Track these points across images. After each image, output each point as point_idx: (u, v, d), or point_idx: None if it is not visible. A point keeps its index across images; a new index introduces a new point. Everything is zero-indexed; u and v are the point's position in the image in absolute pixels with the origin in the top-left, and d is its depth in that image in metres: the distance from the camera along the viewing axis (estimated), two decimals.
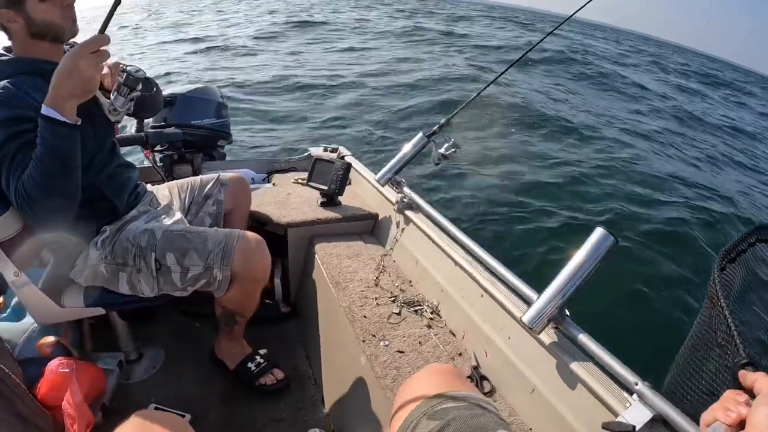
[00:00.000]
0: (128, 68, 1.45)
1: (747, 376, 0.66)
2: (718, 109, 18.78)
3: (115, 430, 0.84)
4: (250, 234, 1.76)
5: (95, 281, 1.72)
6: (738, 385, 0.68)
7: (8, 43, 1.55)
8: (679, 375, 1.02)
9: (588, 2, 1.87)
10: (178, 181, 2.16)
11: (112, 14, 1.26)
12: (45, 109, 1.28)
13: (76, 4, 1.51)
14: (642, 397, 1.04)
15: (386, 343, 1.63)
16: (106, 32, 1.29)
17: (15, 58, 1.52)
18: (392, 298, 1.88)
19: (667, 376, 1.08)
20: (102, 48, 1.29)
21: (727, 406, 0.63)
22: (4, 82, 1.41)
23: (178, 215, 1.95)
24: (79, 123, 1.34)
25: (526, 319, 1.29)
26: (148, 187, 2.03)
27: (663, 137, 11.58)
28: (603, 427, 1.04)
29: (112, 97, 1.50)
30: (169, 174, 2.87)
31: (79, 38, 1.52)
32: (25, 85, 1.43)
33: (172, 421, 0.90)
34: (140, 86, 1.49)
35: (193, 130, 2.90)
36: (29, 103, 1.40)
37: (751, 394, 0.64)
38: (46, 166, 1.30)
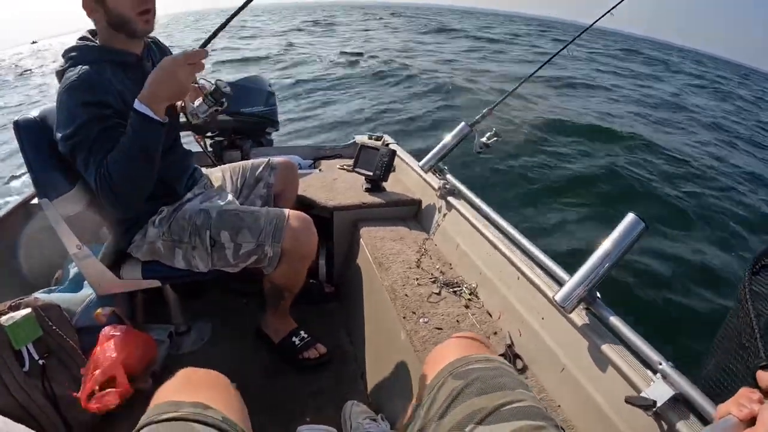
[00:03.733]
0: (218, 82, 1.54)
1: (764, 377, 0.71)
2: None
3: (166, 381, 0.89)
4: (300, 213, 1.83)
5: (152, 256, 1.83)
6: (757, 385, 0.72)
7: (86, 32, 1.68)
8: (712, 370, 1.06)
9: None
10: (231, 164, 2.25)
11: (217, 34, 1.40)
12: (138, 105, 1.39)
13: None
14: (665, 376, 1.08)
15: (426, 320, 1.68)
16: (207, 48, 1.41)
17: (99, 46, 1.62)
18: (432, 279, 1.93)
19: (702, 368, 1.13)
20: (201, 61, 1.41)
21: (740, 402, 0.67)
22: (87, 67, 1.51)
23: (230, 197, 2.04)
24: (166, 121, 1.45)
25: (558, 298, 1.34)
26: (202, 170, 2.13)
27: None
28: (626, 401, 1.09)
29: (196, 103, 1.59)
30: (219, 159, 2.99)
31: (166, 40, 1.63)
32: (107, 73, 1.55)
33: (214, 377, 0.95)
34: (224, 100, 1.58)
35: (243, 118, 3.01)
36: (111, 91, 1.52)
37: None
38: (132, 156, 1.42)
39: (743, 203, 7.61)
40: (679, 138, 11.26)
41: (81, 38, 1.65)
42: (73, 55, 1.57)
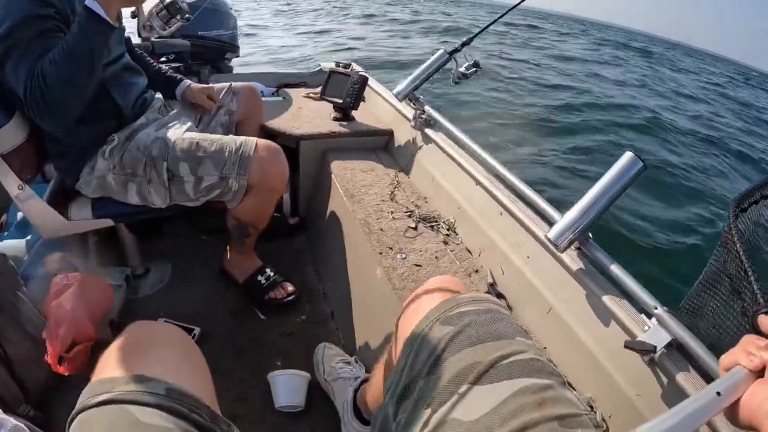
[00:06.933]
0: None
1: (766, 322, 0.64)
2: None
3: (110, 345, 0.78)
4: (267, 142, 1.70)
5: (103, 192, 1.67)
6: (753, 332, 0.66)
7: None
8: (699, 321, 0.99)
9: None
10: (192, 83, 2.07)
11: None
12: (90, 2, 1.25)
13: None
14: (661, 321, 1.02)
15: (403, 256, 1.59)
16: None
17: None
18: (408, 213, 1.83)
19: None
20: None
21: (749, 351, 0.61)
22: None
23: (189, 123, 1.87)
24: (117, 26, 1.32)
25: (551, 235, 1.25)
26: (157, 95, 1.95)
27: None
28: (625, 346, 1.02)
29: (149, 15, 1.44)
30: None
31: None
32: None
33: (167, 332, 0.84)
34: (180, 17, 1.43)
35: (201, 41, 2.81)
36: None
37: None
38: (75, 57, 1.28)
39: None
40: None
41: None
42: None
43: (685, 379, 0.93)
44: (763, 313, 0.66)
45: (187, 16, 1.52)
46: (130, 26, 2.02)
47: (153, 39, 2.54)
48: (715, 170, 7.64)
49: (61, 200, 1.70)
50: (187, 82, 1.98)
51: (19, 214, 1.98)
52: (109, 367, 0.72)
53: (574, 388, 0.76)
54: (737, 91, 23.45)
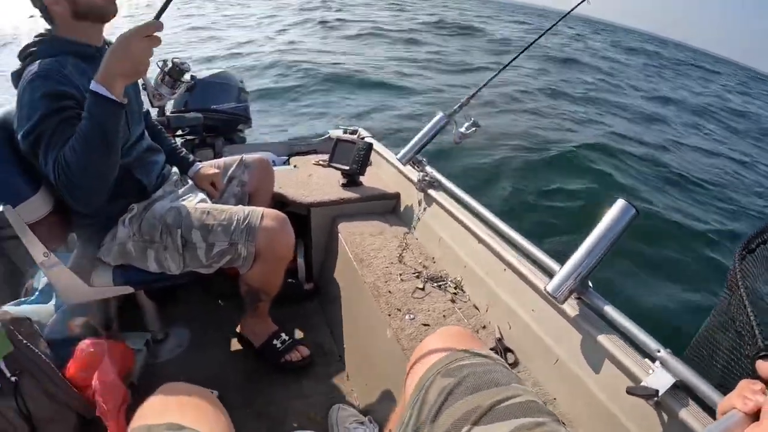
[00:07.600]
0: (175, 60, 1.47)
1: (764, 367, 0.66)
2: None
3: (145, 401, 0.86)
4: (274, 211, 1.78)
5: (123, 259, 1.75)
6: (755, 375, 0.68)
7: (41, 30, 1.60)
8: (696, 360, 1.03)
9: None
10: (203, 163, 2.18)
11: (170, 2, 1.30)
12: (94, 86, 1.30)
13: None
14: (664, 364, 1.06)
15: (412, 316, 1.64)
16: (160, 19, 1.31)
17: (58, 38, 1.55)
18: (416, 274, 1.89)
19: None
20: (155, 34, 1.32)
21: (744, 395, 0.63)
22: (48, 59, 1.45)
23: (202, 195, 1.97)
24: (125, 102, 1.36)
25: (549, 288, 1.30)
26: (174, 169, 2.05)
27: None
28: (627, 392, 1.06)
29: (155, 84, 1.52)
30: None
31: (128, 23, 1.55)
32: (68, 65, 1.48)
33: (195, 391, 0.91)
34: (185, 78, 1.50)
35: (214, 115, 2.94)
36: (71, 82, 1.44)
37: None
38: (90, 141, 1.32)
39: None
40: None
41: (38, 35, 1.58)
42: (33, 51, 1.51)
43: (694, 419, 0.96)
44: (761, 357, 0.69)
45: (191, 74, 1.62)
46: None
47: (168, 114, 2.68)
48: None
49: (84, 267, 1.77)
50: (198, 165, 2.07)
51: (44, 280, 2.05)
52: (145, 418, 0.79)
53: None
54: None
